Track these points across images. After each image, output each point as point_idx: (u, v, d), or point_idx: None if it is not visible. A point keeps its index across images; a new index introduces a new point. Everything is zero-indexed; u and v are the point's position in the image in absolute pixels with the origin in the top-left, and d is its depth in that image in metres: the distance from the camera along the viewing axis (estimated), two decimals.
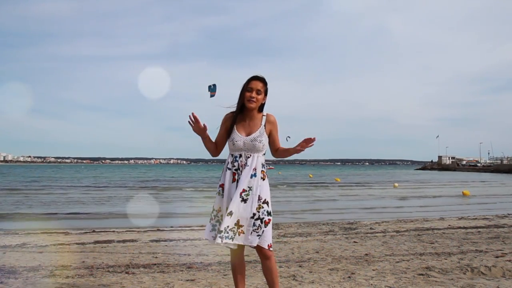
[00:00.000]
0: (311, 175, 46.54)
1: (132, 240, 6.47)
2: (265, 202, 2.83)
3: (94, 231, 7.88)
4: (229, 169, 2.89)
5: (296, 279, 3.90)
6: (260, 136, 2.90)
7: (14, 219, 10.80)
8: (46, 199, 17.07)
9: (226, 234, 2.73)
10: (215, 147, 3.01)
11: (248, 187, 2.81)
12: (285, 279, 3.87)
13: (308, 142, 2.81)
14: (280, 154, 3.02)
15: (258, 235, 2.76)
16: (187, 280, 3.91)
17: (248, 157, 2.87)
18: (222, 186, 2.90)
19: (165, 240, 6.44)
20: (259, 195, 2.82)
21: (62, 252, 5.47)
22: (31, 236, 7.08)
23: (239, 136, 2.89)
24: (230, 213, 2.75)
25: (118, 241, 6.42)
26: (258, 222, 2.78)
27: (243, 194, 2.79)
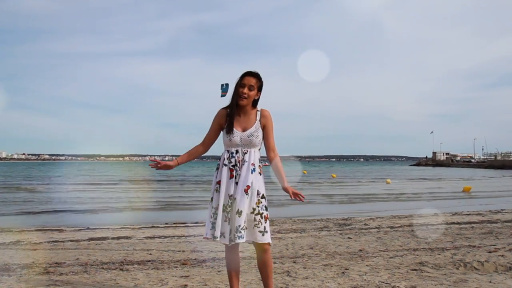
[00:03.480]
0: (305, 171, 46.55)
1: (127, 237, 6.46)
2: (263, 197, 2.84)
3: (88, 228, 7.87)
4: (226, 165, 2.86)
5: (290, 275, 3.91)
6: (256, 131, 2.89)
7: None
8: None
9: (239, 234, 2.71)
10: (200, 151, 3.00)
11: (251, 182, 2.80)
12: (279, 275, 3.88)
13: (296, 196, 2.86)
14: (273, 164, 2.95)
15: (260, 231, 2.75)
16: (181, 277, 3.91)
17: (245, 153, 2.85)
18: (219, 183, 2.86)
19: (159, 237, 6.44)
20: (257, 190, 2.82)
21: (56, 249, 5.46)
22: (25, 234, 7.06)
23: (236, 132, 2.87)
24: (240, 212, 2.73)
25: (113, 238, 6.41)
26: (258, 217, 2.78)
27: (248, 191, 2.78)
